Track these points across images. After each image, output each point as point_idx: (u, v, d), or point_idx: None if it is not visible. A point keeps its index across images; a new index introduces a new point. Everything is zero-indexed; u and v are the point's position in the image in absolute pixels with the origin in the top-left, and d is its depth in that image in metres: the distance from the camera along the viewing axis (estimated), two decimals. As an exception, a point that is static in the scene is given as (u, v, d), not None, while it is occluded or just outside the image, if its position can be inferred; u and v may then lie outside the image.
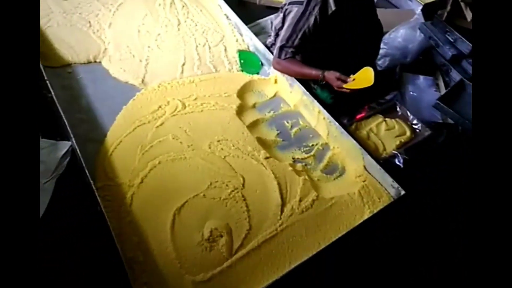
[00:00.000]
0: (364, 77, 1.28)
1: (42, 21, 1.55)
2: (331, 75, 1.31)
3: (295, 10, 1.35)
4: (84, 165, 1.12)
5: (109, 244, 1.01)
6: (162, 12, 1.69)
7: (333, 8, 1.31)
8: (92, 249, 1.10)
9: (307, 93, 1.41)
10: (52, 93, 1.30)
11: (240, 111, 1.42)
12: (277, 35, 1.46)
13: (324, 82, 1.35)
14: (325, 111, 1.35)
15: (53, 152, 1.27)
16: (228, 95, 1.45)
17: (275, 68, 1.46)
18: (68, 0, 1.65)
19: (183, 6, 1.74)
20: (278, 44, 1.40)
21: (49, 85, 1.32)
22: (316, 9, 1.31)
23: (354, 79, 1.29)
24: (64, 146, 1.29)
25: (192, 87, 1.47)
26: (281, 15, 1.42)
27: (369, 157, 1.25)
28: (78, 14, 1.61)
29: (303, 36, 1.35)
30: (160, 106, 1.37)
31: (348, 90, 1.29)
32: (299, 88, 1.43)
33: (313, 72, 1.35)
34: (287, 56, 1.38)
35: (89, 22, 1.60)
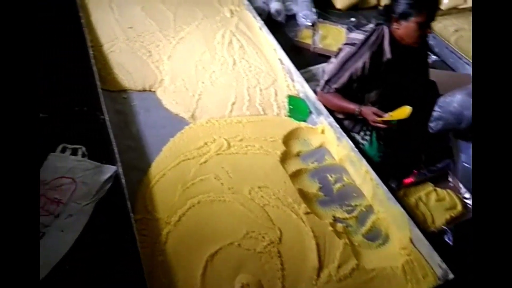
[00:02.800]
0: (401, 113, 1.29)
1: (106, 46, 1.64)
2: (368, 110, 1.34)
3: (346, 50, 1.40)
4: (127, 195, 1.12)
5: (138, 281, 0.98)
6: (220, 50, 1.74)
7: (389, 56, 1.34)
8: (120, 283, 1.08)
9: (356, 149, 1.37)
10: (106, 116, 1.33)
11: (284, 158, 1.39)
12: None
13: (360, 117, 1.37)
14: (373, 172, 1.29)
15: (97, 175, 1.29)
16: (273, 140, 1.43)
17: (318, 99, 1.51)
18: (133, 28, 1.74)
19: (240, 47, 1.79)
20: (324, 77, 1.45)
21: (103, 108, 1.36)
22: (368, 54, 1.34)
23: (391, 116, 1.30)
24: (108, 171, 1.30)
25: (239, 127, 1.47)
26: (334, 59, 1.44)
27: (417, 229, 1.17)
28: (140, 42, 1.69)
29: (349, 77, 1.38)
30: (206, 143, 1.37)
31: (383, 125, 1.31)
32: (347, 143, 1.39)
33: (351, 106, 1.39)
34: (330, 91, 1.43)
35: (150, 51, 1.67)
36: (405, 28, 1.29)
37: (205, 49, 1.74)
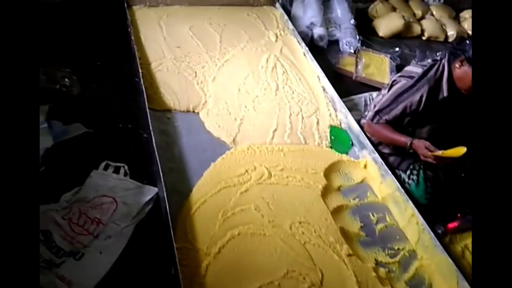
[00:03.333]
0: (455, 152, 1.23)
1: (154, 64, 1.66)
2: (420, 143, 1.29)
3: (402, 82, 1.36)
4: (170, 221, 1.11)
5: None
6: (263, 75, 1.74)
7: (445, 94, 1.31)
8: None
9: (401, 189, 1.31)
10: (153, 137, 1.34)
11: (325, 192, 1.35)
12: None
13: (411, 151, 1.32)
14: (420, 216, 1.24)
15: (138, 196, 1.29)
16: (314, 172, 1.40)
17: (365, 130, 1.47)
18: (180, 48, 1.76)
19: (284, 72, 1.78)
20: (375, 107, 1.41)
21: (150, 127, 1.37)
22: (426, 88, 1.31)
23: (444, 153, 1.24)
24: (149, 192, 1.30)
25: (280, 156, 1.44)
26: (385, 90, 1.40)
27: (465, 283, 1.10)
28: (187, 62, 1.71)
29: (403, 110, 1.34)
30: (246, 170, 1.36)
31: (434, 160, 1.26)
32: (392, 182, 1.34)
33: (402, 138, 1.34)
34: (380, 121, 1.39)
35: (195, 72, 1.68)
36: (464, 73, 1.25)
37: (249, 72, 1.74)
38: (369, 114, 1.44)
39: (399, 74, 1.43)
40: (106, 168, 1.35)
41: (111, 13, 1.94)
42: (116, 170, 1.36)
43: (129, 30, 1.75)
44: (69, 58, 1.72)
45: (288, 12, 2.26)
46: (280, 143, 1.50)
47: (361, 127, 1.51)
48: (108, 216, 1.22)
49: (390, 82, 1.45)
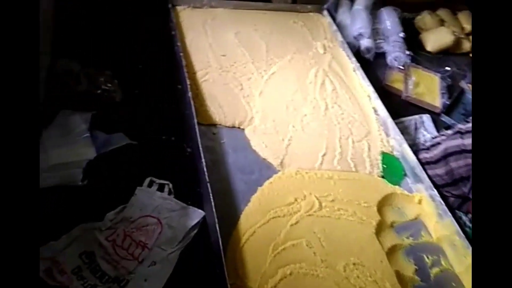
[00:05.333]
0: None
1: (200, 74, 1.58)
2: None
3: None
4: (222, 253, 1.05)
5: None
6: (312, 92, 1.65)
7: None
8: None
9: (462, 234, 1.23)
10: (202, 156, 1.26)
11: (379, 229, 1.28)
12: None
13: None
14: (483, 267, 1.15)
15: (183, 218, 1.23)
16: (367, 206, 1.32)
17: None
18: (226, 56, 1.67)
19: (333, 90, 1.68)
20: None
21: (199, 144, 1.29)
22: None
23: None
24: (195, 215, 1.24)
25: (330, 184, 1.36)
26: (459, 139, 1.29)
27: None
28: (233, 73, 1.62)
29: None
30: (296, 199, 1.28)
31: None
32: (451, 224, 1.26)
33: None
34: None
35: (241, 84, 1.59)
36: None
37: (297, 88, 1.65)
38: None
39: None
40: (150, 185, 1.30)
41: (154, 12, 1.86)
42: (161, 188, 1.30)
43: (173, 33, 1.66)
44: (108, 59, 1.65)
45: (332, 18, 2.14)
46: (330, 169, 1.41)
47: (419, 160, 1.42)
48: (153, 239, 1.16)
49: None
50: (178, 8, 1.83)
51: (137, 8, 1.87)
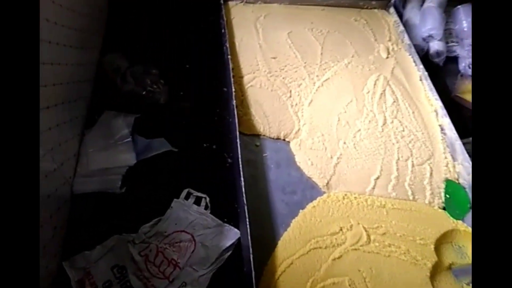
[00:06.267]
0: None
1: (247, 78, 1.48)
2: None
3: None
4: (254, 286, 0.97)
5: None
6: (369, 103, 1.47)
7: None
8: None
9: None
10: (241, 170, 1.17)
11: (434, 271, 1.12)
12: None
13: None
14: None
15: (218, 238, 1.17)
16: (423, 244, 1.16)
17: None
18: (276, 59, 1.55)
19: (394, 102, 1.49)
20: None
21: (239, 156, 1.21)
22: None
23: None
24: (230, 235, 1.17)
25: (381, 213, 1.22)
26: None
27: None
28: (282, 78, 1.50)
29: None
30: (341, 229, 1.16)
31: None
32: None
33: None
34: None
35: (290, 91, 1.47)
36: None
37: (352, 98, 1.48)
38: None
39: None
40: (187, 197, 1.25)
41: (204, 6, 1.78)
42: (197, 201, 1.24)
43: (223, 31, 1.57)
44: (157, 56, 1.61)
45: (399, 15, 1.91)
46: (383, 195, 1.26)
47: None
48: (186, 258, 1.11)
49: None
50: (230, 3, 1.73)
51: (190, 4, 1.80)
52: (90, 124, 1.33)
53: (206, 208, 1.23)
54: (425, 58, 1.82)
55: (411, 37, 1.76)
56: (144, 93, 1.45)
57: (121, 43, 1.61)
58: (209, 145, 1.39)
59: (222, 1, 1.68)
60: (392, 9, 1.86)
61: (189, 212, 1.20)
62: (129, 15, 1.72)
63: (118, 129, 1.30)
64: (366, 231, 1.16)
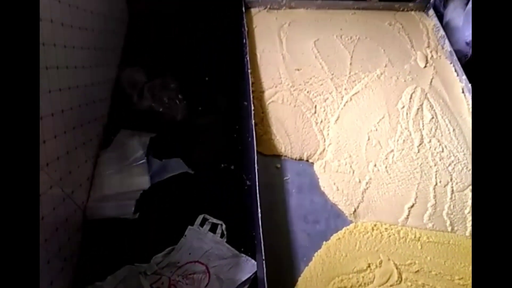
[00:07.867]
0: None
1: (268, 93, 1.38)
2: None
3: None
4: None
5: None
6: (403, 119, 1.33)
7: None
8: None
9: None
10: (257, 196, 1.09)
11: (476, 320, 0.98)
12: None
13: None
14: None
15: (233, 270, 1.10)
16: (463, 284, 1.02)
17: None
18: (301, 71, 1.44)
19: (432, 118, 1.34)
20: None
21: (257, 179, 1.12)
22: None
23: None
24: (247, 267, 1.10)
25: (415, 247, 1.09)
26: None
27: None
28: (306, 92, 1.39)
29: None
30: (369, 265, 1.05)
31: None
32: None
33: None
34: None
35: (315, 107, 1.36)
36: None
37: (384, 113, 1.35)
38: None
39: None
40: (202, 223, 1.18)
41: (226, 15, 1.69)
42: (213, 228, 1.18)
43: (244, 41, 1.48)
44: (176, 69, 1.55)
45: (439, 17, 1.72)
46: (417, 226, 1.13)
47: None
48: (198, 293, 1.05)
49: None
50: (253, 10, 1.63)
51: (210, 13, 1.73)
52: (105, 144, 1.30)
53: (222, 236, 1.16)
54: (468, 65, 1.64)
55: (452, 42, 1.58)
56: (161, 109, 1.40)
57: (140, 56, 1.57)
58: (227, 166, 1.31)
59: (244, 9, 1.59)
60: (431, 11, 1.68)
61: (204, 241, 1.14)
62: (149, 28, 1.68)
63: (133, 150, 1.25)
64: (397, 268, 1.04)
